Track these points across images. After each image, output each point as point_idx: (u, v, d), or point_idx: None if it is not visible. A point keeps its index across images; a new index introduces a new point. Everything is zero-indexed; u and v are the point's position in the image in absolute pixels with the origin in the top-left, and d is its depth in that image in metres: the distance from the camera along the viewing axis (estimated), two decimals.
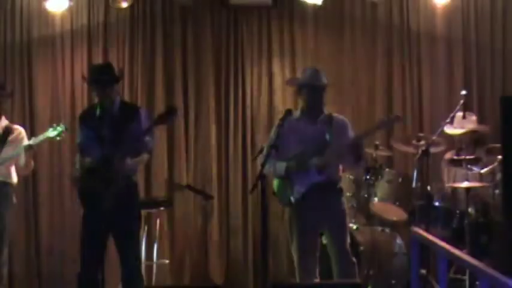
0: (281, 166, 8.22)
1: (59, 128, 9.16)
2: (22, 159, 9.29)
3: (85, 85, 10.47)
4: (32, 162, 9.51)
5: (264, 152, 8.36)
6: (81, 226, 8.31)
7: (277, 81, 10.77)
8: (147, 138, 8.08)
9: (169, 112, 8.19)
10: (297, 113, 8.40)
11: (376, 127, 8.74)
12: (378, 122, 9.03)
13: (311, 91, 8.27)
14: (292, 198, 8.20)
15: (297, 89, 8.57)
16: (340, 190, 8.52)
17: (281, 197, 8.36)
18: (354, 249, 8.94)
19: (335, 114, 8.50)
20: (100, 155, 8.01)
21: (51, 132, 9.16)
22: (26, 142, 9.22)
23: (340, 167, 8.49)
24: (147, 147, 8.10)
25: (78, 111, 10.09)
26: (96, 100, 8.30)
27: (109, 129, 8.02)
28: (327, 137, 8.23)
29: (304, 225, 8.27)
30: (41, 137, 9.29)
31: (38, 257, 10.77)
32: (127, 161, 7.93)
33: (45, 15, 10.71)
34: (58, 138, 9.28)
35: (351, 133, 8.44)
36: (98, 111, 8.11)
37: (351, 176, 9.57)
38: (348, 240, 8.46)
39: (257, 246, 10.40)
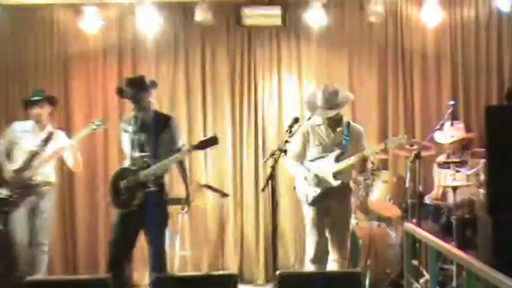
0: (302, 170, 8.45)
1: (97, 122, 9.30)
2: (70, 160, 9.41)
3: (109, 95, 10.70)
4: (80, 158, 9.53)
5: (291, 154, 8.42)
6: (114, 219, 8.42)
7: (286, 91, 10.82)
8: (180, 142, 8.24)
9: (211, 141, 8.25)
10: (318, 120, 8.50)
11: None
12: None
13: (327, 100, 8.36)
14: (310, 196, 8.41)
15: (308, 101, 8.67)
16: (350, 190, 8.79)
17: (301, 194, 8.55)
18: (354, 242, 9.11)
19: (353, 123, 8.69)
20: (136, 158, 8.17)
21: (90, 128, 9.28)
22: (67, 141, 9.32)
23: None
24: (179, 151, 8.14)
25: (110, 117, 10.43)
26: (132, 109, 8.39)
27: (143, 135, 8.13)
28: (344, 142, 8.43)
29: (319, 219, 8.43)
30: (81, 134, 9.41)
31: (74, 248, 10.81)
32: (165, 163, 8.02)
33: (80, 34, 10.69)
34: (97, 129, 9.39)
35: (365, 142, 8.62)
36: (133, 119, 8.22)
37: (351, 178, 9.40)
38: (349, 230, 8.76)
39: (267, 239, 10.33)
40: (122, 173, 8.21)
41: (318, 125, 8.51)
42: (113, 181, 8.29)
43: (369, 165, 9.38)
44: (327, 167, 8.36)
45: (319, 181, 8.38)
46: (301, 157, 8.55)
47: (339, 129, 8.48)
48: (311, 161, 8.50)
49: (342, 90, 8.69)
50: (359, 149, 8.42)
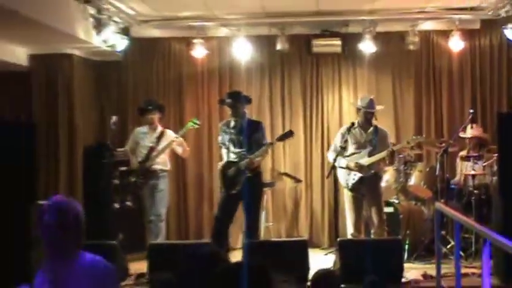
0: (343, 162, 8.53)
1: (194, 120, 9.54)
2: (179, 150, 9.63)
3: (212, 105, 10.87)
4: (187, 148, 9.76)
5: (332, 148, 8.73)
6: (220, 197, 8.77)
7: (344, 103, 10.78)
8: (266, 140, 8.51)
9: (288, 134, 8.61)
10: (356, 124, 8.64)
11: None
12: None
13: (365, 113, 8.60)
14: (349, 183, 8.57)
15: (357, 109, 8.81)
16: (380, 178, 8.89)
17: (342, 181, 8.66)
18: (396, 216, 9.13)
19: (380, 126, 8.76)
20: (236, 153, 8.49)
21: (189, 125, 9.56)
22: (173, 136, 9.54)
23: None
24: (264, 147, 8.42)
25: (212, 121, 10.81)
26: (230, 116, 8.65)
27: (238, 136, 8.42)
28: (374, 141, 8.58)
29: (357, 200, 8.61)
30: (183, 130, 9.66)
31: (186, 219, 10.95)
32: (251, 157, 8.33)
33: (190, 60, 10.83)
34: (195, 126, 9.65)
35: (390, 140, 8.77)
36: (232, 123, 8.50)
37: (394, 168, 9.56)
38: (384, 209, 8.87)
39: (331, 213, 10.23)
40: (228, 164, 8.53)
41: (354, 127, 8.69)
42: (221, 170, 8.60)
43: (396, 158, 9.36)
44: (362, 160, 8.55)
45: (359, 170, 8.53)
46: (340, 151, 8.62)
47: (369, 130, 8.68)
48: (348, 155, 8.65)
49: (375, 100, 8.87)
50: (385, 146, 8.61)
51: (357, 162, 8.54)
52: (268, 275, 3.08)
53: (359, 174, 8.54)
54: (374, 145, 8.64)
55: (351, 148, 8.68)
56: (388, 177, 9.66)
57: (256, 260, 3.12)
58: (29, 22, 7.89)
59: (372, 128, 8.70)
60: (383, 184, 9.21)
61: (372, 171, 8.61)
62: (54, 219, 3.54)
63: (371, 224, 8.66)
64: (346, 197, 8.75)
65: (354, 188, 8.60)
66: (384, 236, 8.59)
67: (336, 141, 8.75)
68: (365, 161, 8.56)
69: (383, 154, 8.56)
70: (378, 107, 8.87)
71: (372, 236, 8.60)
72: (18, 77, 10.44)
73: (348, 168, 8.58)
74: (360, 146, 8.66)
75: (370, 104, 8.70)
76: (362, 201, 8.69)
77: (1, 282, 7.35)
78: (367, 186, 8.62)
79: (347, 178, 8.64)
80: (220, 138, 8.78)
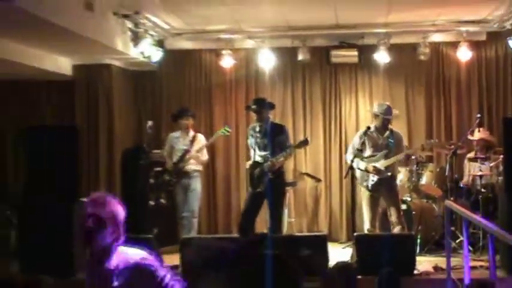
0: (361, 164, 8.47)
1: (226, 128, 9.58)
2: (205, 155, 9.65)
3: (239, 111, 10.88)
4: (207, 157, 9.78)
5: (350, 150, 8.63)
6: (247, 195, 8.86)
7: (361, 109, 10.77)
8: (288, 143, 8.53)
9: (304, 142, 8.68)
10: (372, 127, 8.61)
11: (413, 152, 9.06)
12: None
13: (383, 119, 8.54)
14: (368, 184, 8.51)
15: (374, 115, 8.75)
16: (395, 178, 8.80)
17: (361, 182, 8.60)
18: (409, 213, 9.03)
19: (395, 130, 8.73)
20: (261, 155, 8.51)
21: (220, 132, 9.60)
22: (204, 142, 9.59)
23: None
24: (287, 150, 8.44)
25: (240, 126, 10.80)
26: (255, 120, 8.70)
27: (263, 139, 8.46)
28: (390, 145, 8.52)
29: (374, 199, 8.54)
30: (214, 136, 9.74)
31: (215, 215, 10.95)
32: (273, 160, 8.36)
33: (219, 70, 10.86)
34: (226, 134, 9.68)
35: (405, 143, 8.77)
36: (257, 127, 8.54)
37: (407, 168, 9.52)
38: (401, 206, 8.80)
39: (348, 210, 10.29)
40: (254, 165, 8.59)
41: (372, 131, 8.64)
42: (249, 170, 8.70)
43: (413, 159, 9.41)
44: (379, 164, 8.50)
45: (377, 173, 8.47)
46: (357, 153, 8.55)
47: (385, 134, 8.61)
48: (366, 157, 8.59)
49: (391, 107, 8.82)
50: (400, 149, 8.60)
51: (375, 166, 8.48)
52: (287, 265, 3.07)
53: (377, 177, 8.49)
54: (390, 148, 8.58)
55: (368, 151, 8.61)
56: (401, 176, 9.57)
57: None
58: (74, 36, 7.99)
59: (387, 132, 8.65)
60: (397, 183, 9.15)
61: (389, 173, 8.56)
62: (90, 212, 3.56)
63: (390, 221, 8.61)
64: (364, 196, 8.69)
65: (372, 189, 8.55)
66: (404, 231, 8.50)
67: (354, 144, 8.67)
68: (382, 163, 8.50)
69: (399, 157, 8.57)
70: (394, 112, 8.88)
71: (392, 231, 8.51)
72: (62, 85, 10.62)
73: (366, 171, 8.52)
74: (376, 149, 8.59)
75: (388, 111, 8.66)
76: (378, 200, 8.66)
77: (47, 272, 7.42)
78: (384, 187, 8.56)
79: (366, 179, 8.58)
80: (248, 140, 8.85)
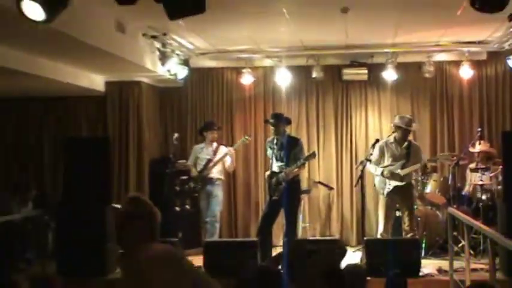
0: (379, 171, 8.49)
1: (246, 137, 9.70)
2: (228, 161, 9.66)
3: (257, 125, 10.88)
4: (234, 163, 9.90)
5: (372, 162, 8.59)
6: (266, 202, 8.84)
7: (370, 122, 10.77)
8: (303, 155, 8.51)
9: (312, 155, 8.66)
10: (391, 139, 8.61)
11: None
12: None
13: (405, 131, 8.55)
14: (385, 190, 8.51)
15: (396, 127, 8.68)
16: (412, 187, 8.78)
17: (379, 189, 8.62)
18: (415, 219, 8.90)
19: (414, 141, 8.76)
20: (278, 165, 8.51)
21: (241, 141, 9.71)
22: (226, 151, 9.65)
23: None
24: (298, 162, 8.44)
25: (258, 138, 10.77)
26: (272, 133, 8.72)
27: (280, 151, 8.46)
28: (408, 156, 8.51)
29: (390, 205, 8.54)
30: (236, 145, 9.86)
31: (235, 220, 10.92)
32: (286, 171, 8.39)
33: (239, 87, 10.89)
34: (246, 142, 9.84)
35: (422, 154, 8.72)
36: (274, 140, 8.56)
37: (413, 178, 9.11)
38: (415, 215, 8.77)
39: (358, 216, 10.17)
40: (272, 174, 8.60)
41: (391, 142, 8.63)
42: (268, 180, 8.69)
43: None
44: (398, 171, 8.49)
45: (394, 178, 8.46)
46: (379, 163, 8.61)
47: (404, 145, 8.61)
48: (385, 167, 8.58)
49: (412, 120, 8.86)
50: (418, 159, 8.55)
51: (393, 172, 8.51)
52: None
53: (394, 184, 8.49)
54: (408, 158, 8.58)
55: (387, 161, 8.62)
56: None
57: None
58: (107, 55, 8.04)
59: (406, 143, 8.65)
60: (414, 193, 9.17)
61: (405, 182, 8.56)
62: (124, 209, 3.56)
63: (403, 228, 8.62)
64: (381, 202, 8.73)
65: (389, 196, 8.55)
66: (415, 235, 8.50)
67: (374, 155, 8.69)
68: (401, 172, 8.51)
69: (416, 166, 8.60)
70: (414, 126, 8.97)
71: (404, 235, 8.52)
72: (96, 100, 10.67)
73: (384, 176, 8.54)
74: (395, 159, 8.59)
75: (409, 122, 8.70)
76: (394, 206, 8.66)
77: (82, 269, 7.48)
78: (400, 195, 8.57)
79: (383, 187, 8.58)
80: (267, 152, 8.89)
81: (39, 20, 4.32)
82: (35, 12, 4.73)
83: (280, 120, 8.67)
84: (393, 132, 8.81)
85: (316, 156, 9.02)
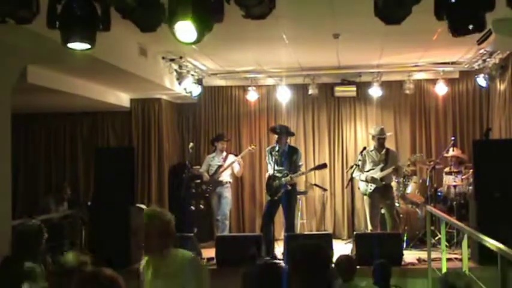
0: (362, 176, 8.53)
1: (252, 146, 9.77)
2: (236, 167, 9.66)
3: (262, 135, 10.87)
4: (242, 169, 9.92)
5: (355, 169, 8.61)
6: (266, 202, 8.82)
7: (359, 133, 10.76)
8: (300, 163, 8.54)
9: (322, 166, 8.74)
10: (372, 147, 8.67)
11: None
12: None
13: (379, 139, 8.61)
14: (368, 191, 8.53)
15: (372, 136, 8.81)
16: (391, 187, 8.76)
17: (363, 191, 8.63)
18: (397, 216, 8.95)
19: (391, 148, 8.82)
20: (279, 170, 8.47)
21: (248, 150, 9.74)
22: (234, 159, 9.70)
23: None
24: (301, 169, 8.50)
25: (262, 147, 10.58)
26: (275, 142, 8.70)
27: (281, 158, 8.43)
28: (386, 161, 8.55)
29: (373, 204, 8.54)
30: (243, 153, 9.88)
31: (243, 217, 10.82)
32: (292, 176, 8.41)
33: (246, 102, 10.86)
34: (252, 150, 9.91)
35: (397, 159, 8.71)
36: (276, 148, 8.53)
37: (396, 180, 9.28)
38: (394, 209, 8.75)
39: (349, 213, 10.18)
40: (273, 178, 8.56)
41: (371, 150, 8.73)
42: (268, 182, 8.66)
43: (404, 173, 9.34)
44: (377, 174, 8.54)
45: (373, 182, 8.53)
46: (362, 168, 8.65)
47: (382, 152, 8.67)
48: (367, 171, 8.63)
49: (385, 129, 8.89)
50: (394, 163, 8.59)
51: (372, 177, 8.55)
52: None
53: (374, 185, 8.54)
54: (386, 163, 8.59)
55: (368, 165, 8.66)
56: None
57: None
58: (132, 76, 8.10)
59: (384, 150, 8.69)
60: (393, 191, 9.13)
61: (383, 183, 8.58)
62: (144, 222, 3.57)
63: (388, 222, 8.64)
64: (366, 202, 8.73)
65: (371, 196, 8.58)
66: (397, 230, 8.54)
67: (357, 162, 8.75)
68: (378, 175, 8.54)
69: (390, 170, 8.56)
70: (388, 134, 8.95)
71: (388, 231, 8.52)
72: (122, 115, 10.68)
73: (366, 181, 8.59)
74: (375, 164, 8.64)
75: (381, 132, 8.74)
76: (376, 204, 8.64)
77: (108, 264, 7.46)
78: (380, 194, 8.58)
79: (366, 188, 8.64)
80: (267, 158, 8.84)
81: (83, 48, 4.03)
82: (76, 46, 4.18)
83: (284, 132, 8.69)
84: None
85: (328, 166, 9.21)
